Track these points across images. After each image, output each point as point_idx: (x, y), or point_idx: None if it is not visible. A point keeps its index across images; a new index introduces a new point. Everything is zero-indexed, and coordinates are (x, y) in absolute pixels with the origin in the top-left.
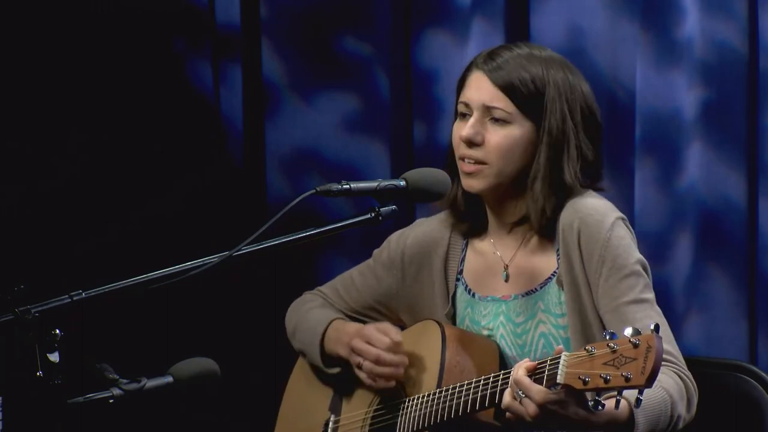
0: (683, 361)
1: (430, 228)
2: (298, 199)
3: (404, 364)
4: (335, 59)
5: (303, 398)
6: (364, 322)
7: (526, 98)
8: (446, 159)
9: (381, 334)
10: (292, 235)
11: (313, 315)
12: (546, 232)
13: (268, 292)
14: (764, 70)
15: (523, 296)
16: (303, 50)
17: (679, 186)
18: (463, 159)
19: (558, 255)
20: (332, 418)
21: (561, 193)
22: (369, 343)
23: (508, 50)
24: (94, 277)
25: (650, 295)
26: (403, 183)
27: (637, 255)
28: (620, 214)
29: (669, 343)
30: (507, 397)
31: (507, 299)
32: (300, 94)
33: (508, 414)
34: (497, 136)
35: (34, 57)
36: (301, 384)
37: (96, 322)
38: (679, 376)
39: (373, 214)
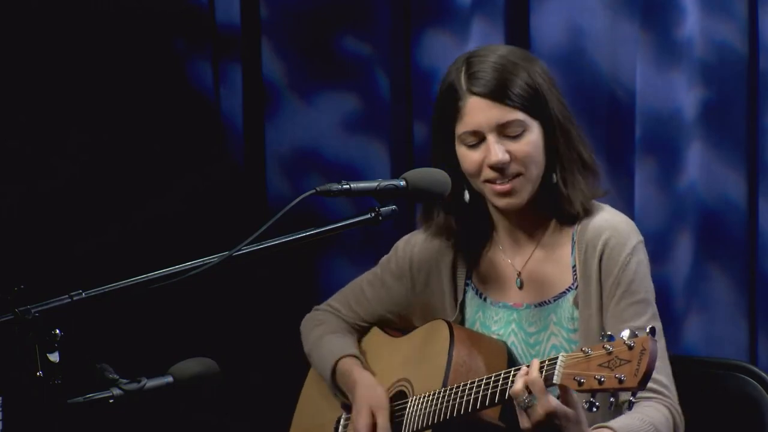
0: (675, 394)
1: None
2: (298, 199)
3: None
4: (335, 59)
5: (318, 397)
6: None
7: (526, 100)
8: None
9: (367, 416)
10: (292, 235)
11: (324, 344)
12: (565, 220)
13: (268, 292)
14: (764, 70)
15: (536, 306)
16: (303, 50)
17: (679, 186)
18: (493, 181)
19: (574, 271)
20: (344, 416)
21: (589, 177)
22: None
23: (481, 63)
24: (94, 277)
25: (658, 324)
26: (403, 183)
27: (651, 285)
28: (641, 237)
29: (665, 376)
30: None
31: (519, 307)
32: (300, 94)
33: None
34: (521, 146)
35: (35, 57)
36: (316, 383)
37: (96, 322)
38: (669, 410)
39: (373, 214)
